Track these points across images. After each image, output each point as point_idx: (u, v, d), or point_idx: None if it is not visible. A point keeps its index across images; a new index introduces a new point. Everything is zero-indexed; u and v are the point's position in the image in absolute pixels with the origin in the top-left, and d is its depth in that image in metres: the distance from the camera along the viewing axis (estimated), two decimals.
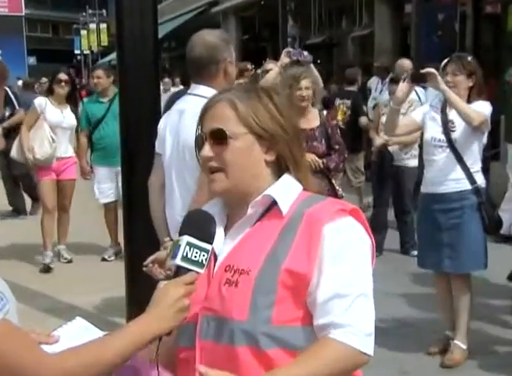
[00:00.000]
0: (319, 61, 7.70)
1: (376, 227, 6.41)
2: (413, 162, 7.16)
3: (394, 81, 7.12)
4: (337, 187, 5.37)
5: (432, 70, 4.43)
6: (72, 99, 7.04)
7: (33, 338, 1.49)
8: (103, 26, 42.18)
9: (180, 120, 3.26)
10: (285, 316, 1.62)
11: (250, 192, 1.72)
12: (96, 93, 7.33)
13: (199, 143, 1.76)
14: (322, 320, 1.61)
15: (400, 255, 7.21)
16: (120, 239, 5.62)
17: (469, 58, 4.60)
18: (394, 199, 7.41)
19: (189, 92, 3.38)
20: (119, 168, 4.91)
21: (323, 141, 5.31)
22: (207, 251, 1.61)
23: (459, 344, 4.59)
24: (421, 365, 4.59)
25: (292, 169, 1.75)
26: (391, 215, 7.41)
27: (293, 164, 1.75)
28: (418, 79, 4.55)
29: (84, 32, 43.81)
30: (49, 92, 6.99)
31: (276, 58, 6.42)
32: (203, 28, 3.45)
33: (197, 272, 1.60)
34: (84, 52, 43.32)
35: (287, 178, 1.75)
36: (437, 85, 4.41)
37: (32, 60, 42.26)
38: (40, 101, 6.93)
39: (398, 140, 6.90)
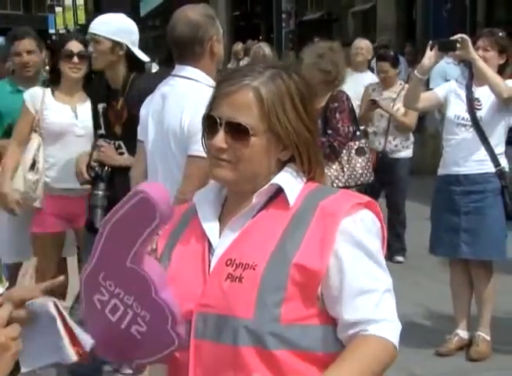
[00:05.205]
0: (316, 39, 7.68)
1: None
2: (405, 152, 6.81)
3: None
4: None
5: (465, 36, 4.45)
6: None
7: None
8: (80, 2, 41.92)
9: (164, 104, 3.26)
10: (294, 314, 1.64)
11: (256, 185, 1.72)
12: (11, 77, 5.17)
13: (206, 125, 1.74)
14: (351, 318, 1.63)
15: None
16: None
17: (501, 33, 4.66)
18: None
19: (173, 73, 3.36)
20: None
21: (319, 124, 5.29)
22: None
23: (484, 335, 4.70)
24: (432, 367, 4.65)
25: (306, 169, 1.74)
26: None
27: (308, 164, 1.74)
28: (446, 47, 4.59)
29: (59, 9, 43.46)
30: None
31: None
32: (190, 4, 3.41)
33: None
34: (60, 32, 43.04)
35: (291, 169, 1.75)
36: (467, 54, 4.46)
37: (1, 40, 41.90)
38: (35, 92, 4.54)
39: None
